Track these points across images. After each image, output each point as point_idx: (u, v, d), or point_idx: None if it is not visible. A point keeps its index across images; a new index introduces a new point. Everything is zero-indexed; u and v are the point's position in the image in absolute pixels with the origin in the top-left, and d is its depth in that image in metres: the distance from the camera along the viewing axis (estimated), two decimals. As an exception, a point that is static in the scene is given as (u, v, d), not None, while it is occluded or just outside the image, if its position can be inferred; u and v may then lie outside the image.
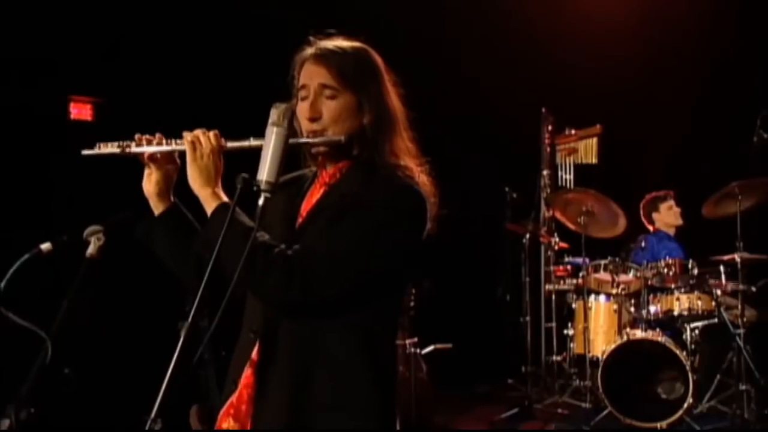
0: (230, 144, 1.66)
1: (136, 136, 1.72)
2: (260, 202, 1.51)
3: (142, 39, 4.89)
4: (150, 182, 1.75)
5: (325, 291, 1.56)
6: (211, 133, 1.65)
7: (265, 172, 1.51)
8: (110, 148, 1.73)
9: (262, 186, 1.51)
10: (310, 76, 1.66)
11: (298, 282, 1.53)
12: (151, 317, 3.94)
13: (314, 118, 1.64)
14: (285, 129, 1.54)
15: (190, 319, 1.41)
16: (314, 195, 1.72)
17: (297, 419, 1.58)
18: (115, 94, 4.90)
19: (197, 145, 1.63)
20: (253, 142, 1.61)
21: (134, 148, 1.71)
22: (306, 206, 1.71)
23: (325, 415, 1.57)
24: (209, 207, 1.60)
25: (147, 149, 1.71)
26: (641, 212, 5.59)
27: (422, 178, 1.68)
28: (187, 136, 1.65)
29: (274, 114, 1.54)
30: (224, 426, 1.65)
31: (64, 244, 1.98)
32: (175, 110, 4.84)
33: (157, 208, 1.76)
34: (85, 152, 1.74)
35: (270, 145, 1.53)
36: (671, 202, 5.48)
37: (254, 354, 1.65)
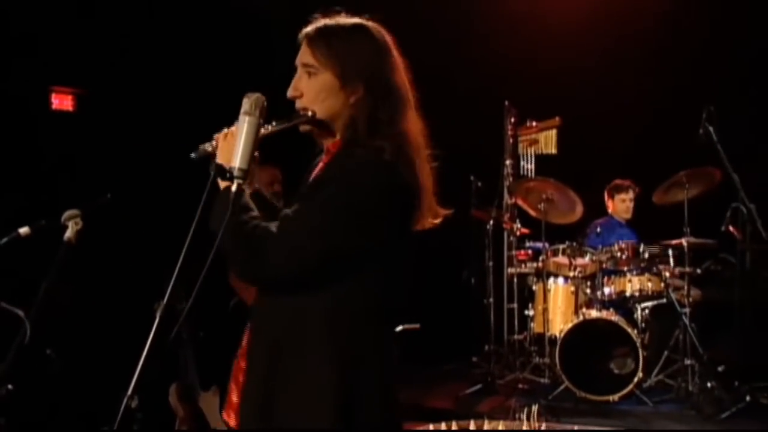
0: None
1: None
2: (233, 188, 1.51)
3: (124, 30, 4.87)
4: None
5: (284, 270, 1.55)
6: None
7: (237, 160, 1.53)
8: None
9: (235, 173, 1.52)
10: (299, 55, 1.68)
11: (262, 261, 1.54)
12: (131, 297, 3.86)
13: (294, 96, 1.66)
14: (256, 118, 1.56)
15: (165, 300, 1.42)
16: (314, 173, 1.74)
17: (264, 406, 1.57)
18: (96, 85, 4.87)
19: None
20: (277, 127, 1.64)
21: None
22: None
23: (283, 396, 1.57)
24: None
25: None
26: (605, 193, 5.76)
27: (402, 159, 1.61)
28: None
29: (246, 103, 1.56)
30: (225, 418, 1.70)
31: (43, 228, 2.00)
32: (156, 102, 4.84)
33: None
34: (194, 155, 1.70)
35: (242, 133, 1.55)
36: (626, 196, 5.64)
37: (245, 342, 1.68)
